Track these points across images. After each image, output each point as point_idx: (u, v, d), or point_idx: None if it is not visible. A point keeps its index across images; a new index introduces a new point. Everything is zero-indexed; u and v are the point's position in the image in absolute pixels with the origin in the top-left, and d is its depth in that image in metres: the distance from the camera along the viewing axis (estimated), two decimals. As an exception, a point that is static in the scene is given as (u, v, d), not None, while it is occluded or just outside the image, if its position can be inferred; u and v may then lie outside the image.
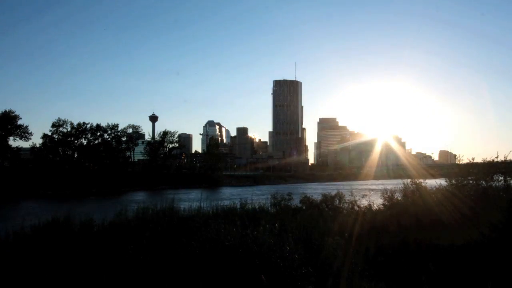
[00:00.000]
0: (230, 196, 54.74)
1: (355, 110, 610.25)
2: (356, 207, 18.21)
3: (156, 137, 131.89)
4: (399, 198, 16.38)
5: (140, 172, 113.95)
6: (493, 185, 14.96)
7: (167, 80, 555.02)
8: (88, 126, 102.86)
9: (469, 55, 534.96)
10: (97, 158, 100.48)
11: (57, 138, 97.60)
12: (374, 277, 9.86)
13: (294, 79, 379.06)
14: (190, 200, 19.89)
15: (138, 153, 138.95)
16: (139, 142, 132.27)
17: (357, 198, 18.75)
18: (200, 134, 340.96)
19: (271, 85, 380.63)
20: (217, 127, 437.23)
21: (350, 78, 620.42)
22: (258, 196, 28.84)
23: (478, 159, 17.64)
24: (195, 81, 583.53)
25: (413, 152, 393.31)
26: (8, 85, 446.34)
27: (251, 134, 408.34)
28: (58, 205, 43.10)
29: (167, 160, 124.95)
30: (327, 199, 18.64)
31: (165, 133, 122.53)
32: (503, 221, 11.42)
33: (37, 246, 10.59)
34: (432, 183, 18.04)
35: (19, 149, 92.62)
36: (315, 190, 46.34)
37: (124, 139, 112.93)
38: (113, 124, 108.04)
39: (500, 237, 11.00)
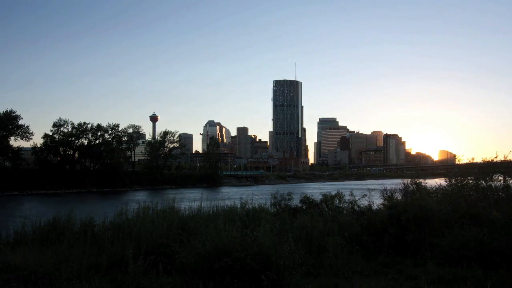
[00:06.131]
0: (230, 196, 54.73)
1: (355, 110, 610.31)
2: (356, 207, 18.19)
3: (156, 137, 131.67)
4: (399, 198, 16.38)
5: (140, 172, 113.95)
6: (493, 185, 14.97)
7: (167, 80, 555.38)
8: (89, 126, 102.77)
9: (468, 55, 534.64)
10: (98, 158, 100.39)
11: (58, 138, 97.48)
12: (374, 276, 9.91)
13: (294, 79, 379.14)
14: (190, 199, 19.84)
15: (139, 153, 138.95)
16: (140, 142, 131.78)
17: (357, 198, 18.69)
18: (200, 134, 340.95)
19: (271, 85, 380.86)
20: (217, 127, 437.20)
21: (350, 78, 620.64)
22: (258, 196, 28.84)
23: (478, 159, 17.68)
24: (195, 81, 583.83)
25: (413, 152, 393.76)
26: (10, 85, 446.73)
27: (251, 134, 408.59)
28: (59, 204, 43.12)
29: (168, 160, 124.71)
30: (327, 199, 18.56)
31: (165, 133, 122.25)
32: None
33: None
34: (432, 183, 18.06)
35: (20, 149, 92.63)
36: (315, 190, 46.36)
37: (124, 139, 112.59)
38: (113, 124, 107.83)
39: (499, 237, 11.04)
